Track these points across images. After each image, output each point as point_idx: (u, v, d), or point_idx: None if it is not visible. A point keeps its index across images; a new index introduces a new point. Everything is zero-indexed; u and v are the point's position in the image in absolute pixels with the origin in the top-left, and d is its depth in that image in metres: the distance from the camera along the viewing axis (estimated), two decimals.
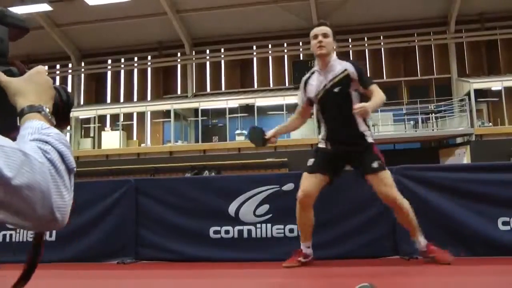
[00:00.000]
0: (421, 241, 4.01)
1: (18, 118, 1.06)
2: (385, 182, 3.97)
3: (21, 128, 1.02)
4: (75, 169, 1.00)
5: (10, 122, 1.09)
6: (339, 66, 4.21)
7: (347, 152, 4.17)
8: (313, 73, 4.39)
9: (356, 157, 4.13)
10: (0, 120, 1.10)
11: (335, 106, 4.20)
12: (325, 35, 4.24)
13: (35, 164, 0.90)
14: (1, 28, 1.14)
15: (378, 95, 4.08)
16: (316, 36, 4.24)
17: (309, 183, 4.13)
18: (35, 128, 1.00)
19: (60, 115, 1.16)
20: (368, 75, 4.34)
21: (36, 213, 0.90)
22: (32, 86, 1.09)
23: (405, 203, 3.95)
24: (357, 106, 3.85)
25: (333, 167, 4.22)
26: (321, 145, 4.30)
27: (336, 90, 4.16)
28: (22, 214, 0.89)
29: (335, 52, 4.34)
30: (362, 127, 4.15)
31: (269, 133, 4.37)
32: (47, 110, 1.08)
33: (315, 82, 4.29)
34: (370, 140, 4.16)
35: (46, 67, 26.13)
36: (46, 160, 0.93)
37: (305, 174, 4.19)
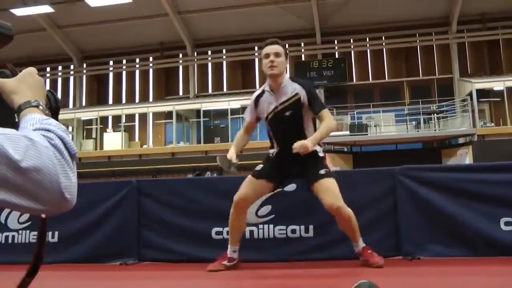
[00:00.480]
0: (360, 244, 4.04)
1: (16, 115, 1.10)
2: (332, 190, 3.88)
3: (22, 121, 1.06)
4: (76, 154, 1.04)
5: (9, 121, 1.10)
6: (290, 88, 4.10)
7: (297, 162, 4.05)
8: (263, 93, 4.25)
9: (305, 166, 4.04)
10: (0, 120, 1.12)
11: (285, 128, 4.14)
12: (277, 55, 4.07)
13: (41, 148, 0.95)
14: None
15: (326, 123, 4.02)
16: (267, 55, 4.08)
17: (250, 188, 4.11)
18: (36, 119, 1.05)
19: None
20: (321, 99, 4.30)
21: (47, 195, 0.95)
22: (26, 85, 1.14)
23: (348, 211, 3.89)
24: (296, 145, 3.80)
25: (280, 175, 4.20)
26: (272, 155, 4.28)
27: (287, 114, 4.09)
28: (34, 196, 0.93)
29: (288, 72, 4.28)
30: (315, 147, 4.04)
31: (233, 157, 4.17)
32: (43, 104, 1.13)
33: (266, 103, 4.18)
34: (321, 154, 4.13)
35: (48, 69, 26.28)
36: (50, 145, 0.98)
37: (249, 178, 4.17)
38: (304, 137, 3.99)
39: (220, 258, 4.16)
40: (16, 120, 1.09)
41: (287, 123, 4.11)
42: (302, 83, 4.16)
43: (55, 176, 0.95)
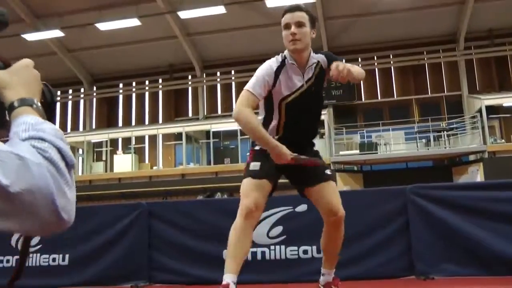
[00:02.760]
0: (331, 273, 3.55)
1: (7, 113, 1.01)
2: (337, 192, 3.39)
3: (13, 125, 0.97)
4: (74, 163, 0.95)
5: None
6: (314, 60, 3.41)
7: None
8: (284, 64, 3.36)
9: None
10: None
11: (304, 110, 3.38)
12: (299, 24, 3.26)
13: (32, 167, 0.86)
14: None
15: (360, 72, 3.36)
16: (287, 26, 3.29)
17: (259, 192, 3.26)
18: (29, 124, 0.95)
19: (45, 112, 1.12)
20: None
21: (41, 217, 0.87)
22: (20, 79, 1.05)
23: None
24: (335, 66, 3.04)
25: (278, 174, 3.40)
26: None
27: (312, 91, 3.38)
28: (26, 220, 0.86)
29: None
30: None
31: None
32: (38, 103, 1.03)
33: (289, 80, 3.34)
34: (315, 148, 3.56)
35: (59, 92, 26.46)
36: (44, 160, 0.89)
37: (251, 181, 3.29)
38: (316, 123, 3.53)
39: None
40: (7, 118, 1.00)
41: (308, 104, 3.39)
42: (324, 53, 3.50)
43: (49, 196, 0.86)
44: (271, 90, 3.33)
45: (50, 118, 1.12)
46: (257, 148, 3.39)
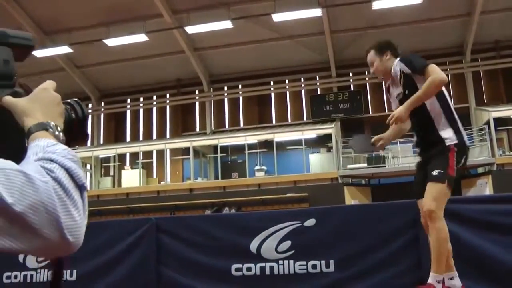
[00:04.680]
0: (436, 278, 3.55)
1: (26, 139, 1.02)
2: (431, 193, 3.58)
3: (28, 148, 0.98)
4: (85, 185, 0.95)
5: (20, 146, 1.05)
6: (397, 70, 3.94)
7: (426, 152, 3.89)
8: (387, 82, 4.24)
9: (429, 159, 3.79)
10: (12, 143, 1.08)
11: (411, 113, 3.79)
12: (371, 64, 4.12)
13: (38, 184, 0.86)
14: (4, 49, 1.10)
15: (428, 80, 3.62)
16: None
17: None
18: (41, 147, 0.96)
19: (76, 130, 1.13)
20: (419, 56, 3.91)
21: (45, 237, 0.86)
22: (38, 104, 1.06)
23: (441, 225, 3.56)
24: (390, 117, 3.73)
25: (420, 168, 4.01)
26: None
27: (406, 94, 3.84)
28: (30, 239, 0.85)
29: (390, 59, 4.03)
30: (443, 133, 3.74)
31: (382, 136, 4.29)
32: (54, 126, 1.04)
33: (392, 94, 4.19)
34: (448, 143, 3.70)
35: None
36: (51, 179, 0.89)
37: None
38: (428, 120, 3.78)
39: None
40: (26, 144, 1.01)
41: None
42: (402, 59, 3.96)
43: (54, 215, 0.86)
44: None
45: (83, 133, 1.17)
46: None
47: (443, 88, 3.79)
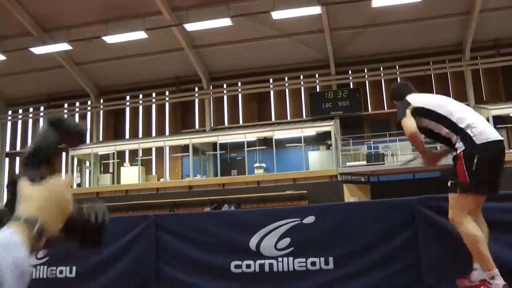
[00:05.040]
0: (478, 275, 3.77)
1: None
2: (449, 203, 3.86)
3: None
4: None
5: None
6: None
7: None
8: None
9: None
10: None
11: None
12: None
13: None
14: (53, 133, 1.11)
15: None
16: None
17: None
18: (1, 241, 0.94)
19: (90, 234, 1.11)
20: (401, 106, 4.17)
21: None
22: (38, 198, 1.05)
23: (465, 228, 3.74)
24: None
25: None
26: None
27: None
28: None
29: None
30: (457, 144, 3.92)
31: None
32: (40, 226, 1.01)
33: None
34: (458, 151, 3.90)
35: (66, 105, 26.62)
36: None
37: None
38: (446, 140, 4.05)
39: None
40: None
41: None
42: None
43: None
44: None
45: (99, 238, 1.21)
46: None
47: (439, 105, 4.09)
